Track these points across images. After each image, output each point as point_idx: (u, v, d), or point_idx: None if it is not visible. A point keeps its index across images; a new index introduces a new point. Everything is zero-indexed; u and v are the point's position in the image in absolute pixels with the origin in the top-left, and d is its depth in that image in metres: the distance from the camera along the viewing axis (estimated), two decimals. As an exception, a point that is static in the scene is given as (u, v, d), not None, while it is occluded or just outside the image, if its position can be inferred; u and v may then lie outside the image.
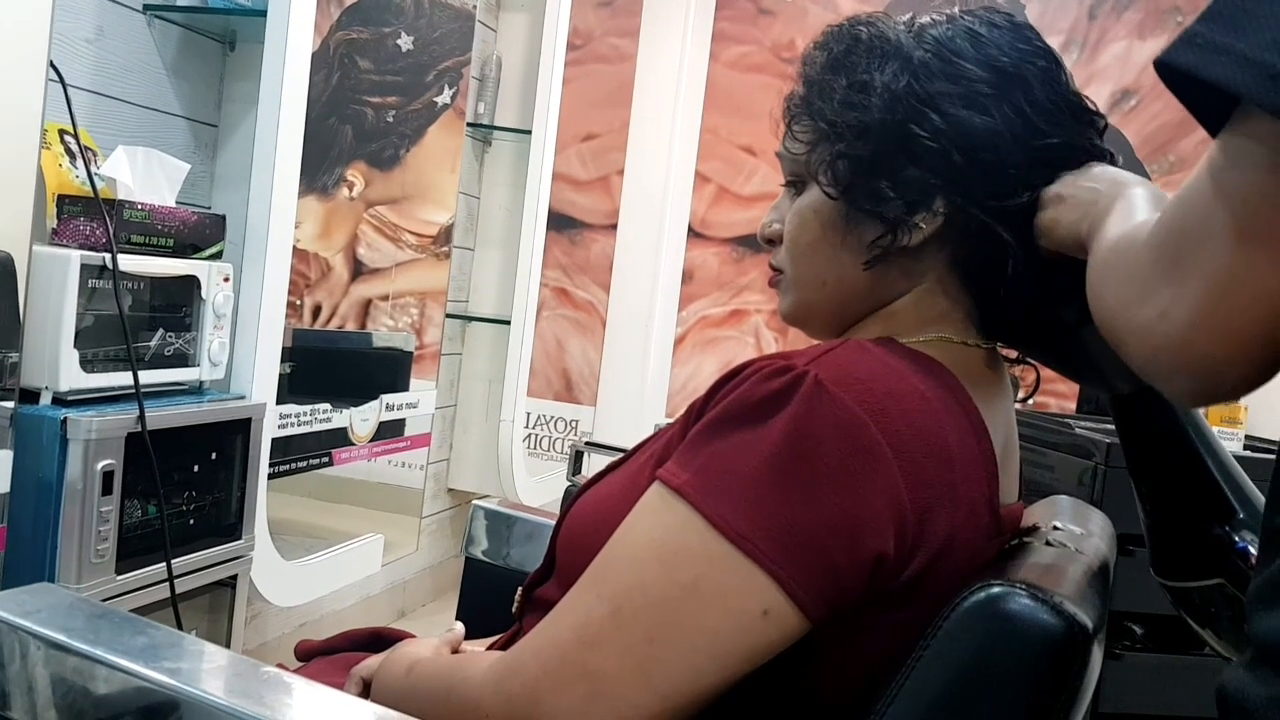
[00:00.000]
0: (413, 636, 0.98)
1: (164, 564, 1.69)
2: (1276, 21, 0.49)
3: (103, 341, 1.64)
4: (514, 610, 0.92)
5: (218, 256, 1.88)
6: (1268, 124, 0.50)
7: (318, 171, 2.37)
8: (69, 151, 1.72)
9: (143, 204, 1.73)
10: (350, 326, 2.60)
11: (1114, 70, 3.10)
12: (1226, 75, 0.50)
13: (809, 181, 0.86)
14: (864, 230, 0.83)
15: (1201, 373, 0.54)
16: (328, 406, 2.42)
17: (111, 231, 1.62)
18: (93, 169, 1.70)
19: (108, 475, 1.57)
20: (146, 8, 1.98)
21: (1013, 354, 0.91)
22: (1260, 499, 0.84)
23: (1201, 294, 0.53)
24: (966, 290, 0.84)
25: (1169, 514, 0.87)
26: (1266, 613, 0.53)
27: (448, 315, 3.05)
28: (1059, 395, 2.95)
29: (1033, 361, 0.92)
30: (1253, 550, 0.82)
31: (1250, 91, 0.49)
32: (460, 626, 0.94)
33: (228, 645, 1.92)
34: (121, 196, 1.71)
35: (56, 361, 1.56)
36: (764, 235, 0.91)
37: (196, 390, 1.87)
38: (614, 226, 3.35)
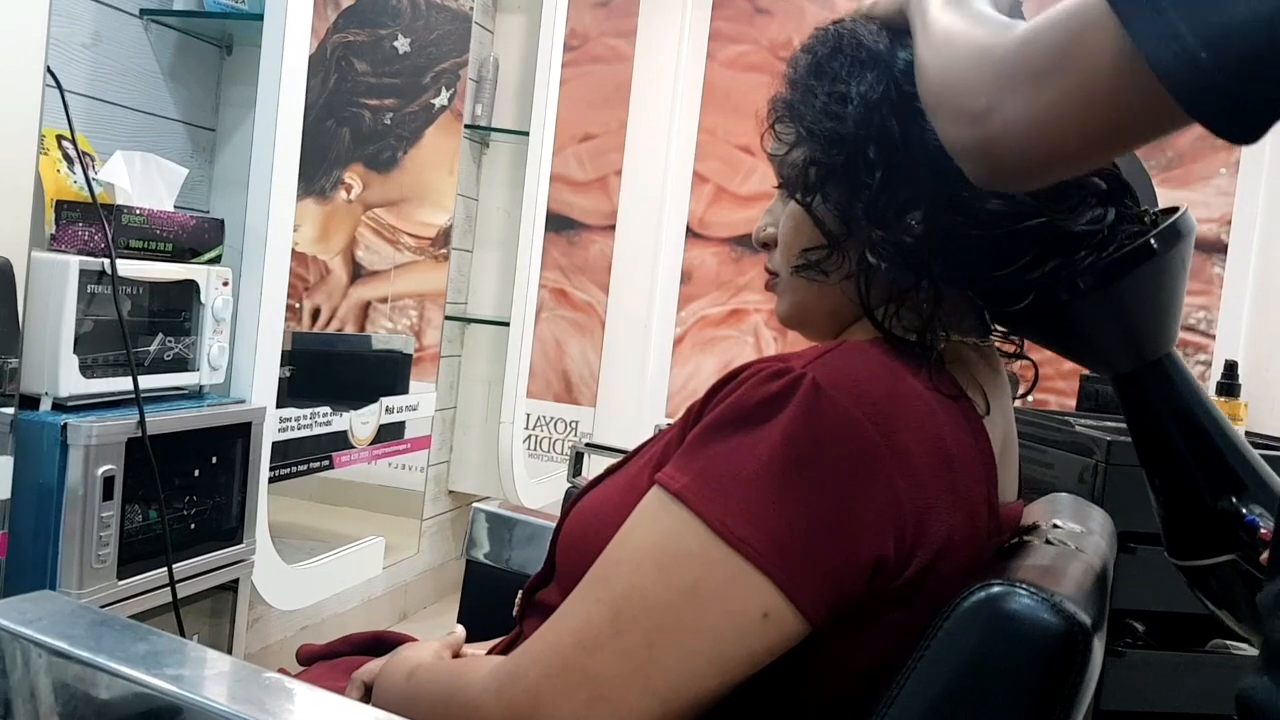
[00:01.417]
0: (414, 640, 0.98)
1: (165, 569, 1.69)
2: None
3: (102, 347, 1.64)
4: (514, 614, 0.92)
5: (216, 261, 1.88)
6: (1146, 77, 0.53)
7: (316, 174, 2.37)
8: (67, 157, 1.72)
9: (141, 209, 1.73)
10: (349, 329, 2.60)
11: (1111, 67, 3.09)
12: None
13: None
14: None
15: (998, 159, 0.62)
16: (328, 410, 2.42)
17: (110, 237, 1.62)
18: (91, 174, 1.70)
19: (108, 481, 1.57)
20: (143, 12, 1.98)
21: (1010, 349, 0.91)
22: (1271, 474, 0.84)
23: (1043, 108, 0.58)
24: (959, 288, 0.84)
25: (1179, 491, 0.86)
26: None
27: (447, 317, 3.05)
28: (1059, 393, 2.95)
29: (1031, 358, 0.92)
30: (1261, 523, 0.82)
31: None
32: (461, 630, 0.94)
33: (230, 649, 1.92)
34: (120, 201, 1.71)
35: (56, 367, 1.56)
36: (758, 239, 0.91)
37: (196, 395, 1.87)
38: (612, 227, 3.35)
